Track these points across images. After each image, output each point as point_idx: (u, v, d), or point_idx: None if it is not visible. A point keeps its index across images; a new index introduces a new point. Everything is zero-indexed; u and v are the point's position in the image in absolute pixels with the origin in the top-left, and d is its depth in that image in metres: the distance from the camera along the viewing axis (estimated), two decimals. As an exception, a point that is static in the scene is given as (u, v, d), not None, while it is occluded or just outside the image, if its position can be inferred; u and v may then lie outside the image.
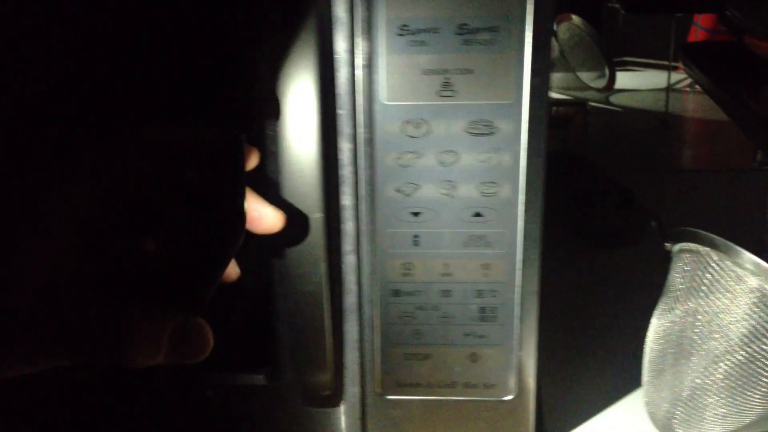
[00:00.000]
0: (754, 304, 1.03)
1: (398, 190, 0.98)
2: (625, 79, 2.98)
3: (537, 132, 0.95)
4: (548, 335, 1.05)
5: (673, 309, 1.15)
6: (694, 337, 1.09)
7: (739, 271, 1.05)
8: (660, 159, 2.27)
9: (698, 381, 1.08)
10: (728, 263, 1.07)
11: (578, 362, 1.35)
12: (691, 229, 1.13)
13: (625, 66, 3.06)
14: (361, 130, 0.96)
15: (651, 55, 3.02)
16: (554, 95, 2.85)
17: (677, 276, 1.16)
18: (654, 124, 2.53)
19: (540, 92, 0.94)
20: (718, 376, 1.05)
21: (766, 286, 1.02)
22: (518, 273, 1.01)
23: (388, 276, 1.02)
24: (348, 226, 1.00)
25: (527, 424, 1.05)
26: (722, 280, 1.07)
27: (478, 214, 0.99)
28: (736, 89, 1.38)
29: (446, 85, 0.94)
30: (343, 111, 0.95)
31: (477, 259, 1.01)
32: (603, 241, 1.68)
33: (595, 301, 1.52)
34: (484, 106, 0.95)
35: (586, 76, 2.98)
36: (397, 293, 1.03)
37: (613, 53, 2.98)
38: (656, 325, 1.17)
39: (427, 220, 1.00)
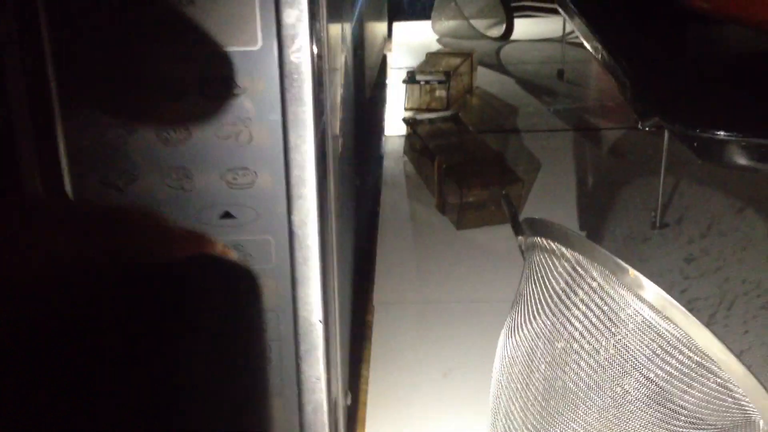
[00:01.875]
0: (636, 326, 0.75)
1: (105, 183, 0.66)
2: (523, 27, 2.68)
3: (308, 92, 0.64)
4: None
5: (521, 326, 0.86)
6: (544, 367, 0.80)
7: (602, 282, 0.76)
8: (550, 117, 1.99)
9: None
10: (588, 268, 0.78)
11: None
12: (543, 219, 0.84)
13: (524, 12, 2.76)
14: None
15: None
16: (435, 46, 2.54)
17: (526, 281, 0.87)
18: (548, 77, 2.25)
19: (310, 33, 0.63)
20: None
21: (643, 304, 0.75)
22: (301, 297, 0.71)
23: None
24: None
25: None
26: (580, 292, 0.79)
27: (227, 215, 0.68)
28: (614, 42, 1.08)
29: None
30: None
31: (233, 277, 0.71)
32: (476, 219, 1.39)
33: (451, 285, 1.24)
34: (218, 54, 0.63)
35: (480, 24, 2.67)
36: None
37: (511, -1, 2.69)
38: (503, 348, 0.88)
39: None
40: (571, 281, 0.80)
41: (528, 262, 0.89)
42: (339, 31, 1.08)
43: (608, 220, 1.44)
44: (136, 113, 0.65)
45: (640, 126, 0.84)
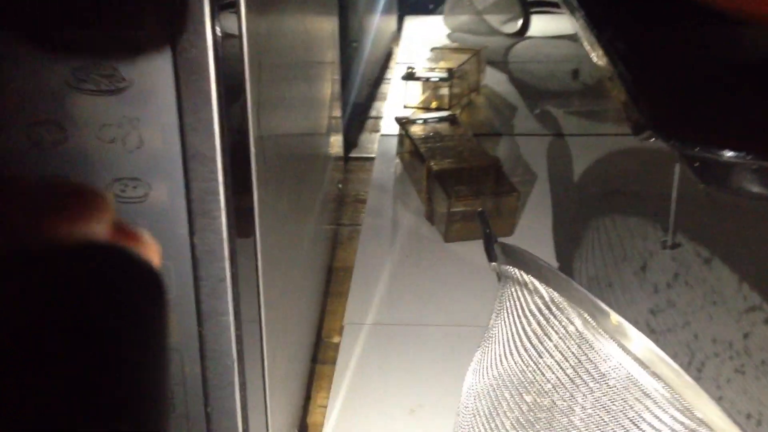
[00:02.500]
0: (618, 382, 0.63)
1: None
2: (540, 23, 2.54)
3: (211, 87, 0.52)
4: None
5: (488, 368, 0.73)
6: (509, 424, 0.68)
7: (580, 327, 0.63)
8: (559, 120, 1.84)
9: None
10: (565, 308, 0.65)
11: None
12: (516, 247, 0.71)
13: (542, 8, 2.61)
14: None
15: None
16: (447, 42, 2.40)
17: (497, 315, 0.74)
18: (563, 77, 2.10)
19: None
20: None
21: (627, 356, 0.62)
22: (209, 334, 0.59)
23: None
24: None
25: None
26: (555, 336, 0.67)
27: (118, 234, 0.55)
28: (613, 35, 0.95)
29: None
30: None
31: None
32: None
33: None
34: (97, 39, 0.51)
35: (495, 19, 2.53)
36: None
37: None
38: (468, 392, 0.76)
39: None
40: (544, 322, 0.67)
41: (500, 292, 0.76)
42: (312, 23, 0.96)
43: (611, 238, 1.30)
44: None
45: (635, 135, 0.70)
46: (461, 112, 1.85)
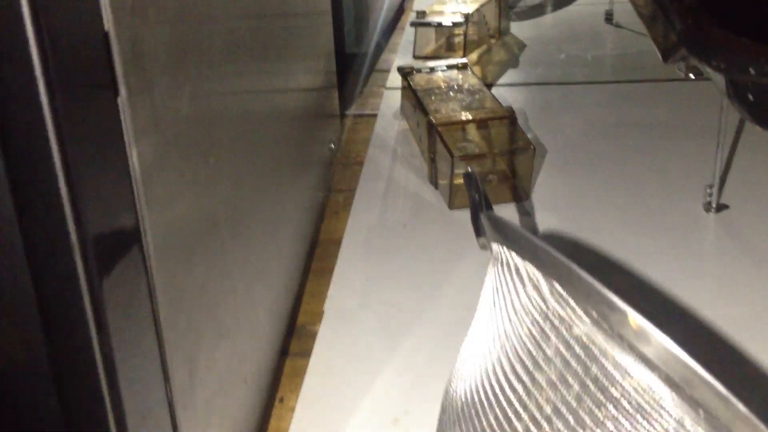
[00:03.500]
0: (636, 408, 0.45)
1: None
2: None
3: None
4: None
5: (472, 377, 0.57)
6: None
7: (588, 330, 0.46)
8: (589, 67, 1.64)
9: None
10: (572, 306, 0.48)
11: None
12: (505, 220, 0.54)
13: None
14: None
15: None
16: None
17: (485, 305, 0.58)
18: (594, 21, 1.89)
19: None
20: None
21: (651, 373, 0.45)
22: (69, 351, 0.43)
23: None
24: None
25: None
26: (554, 339, 0.49)
27: None
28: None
29: None
30: None
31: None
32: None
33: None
34: None
35: None
36: None
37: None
38: (448, 401, 0.60)
39: None
40: (541, 321, 0.50)
41: (489, 276, 0.59)
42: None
43: (645, 200, 1.11)
44: None
45: (665, 60, 0.51)
46: (477, 61, 1.65)
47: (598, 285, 0.45)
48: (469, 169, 0.79)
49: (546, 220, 1.07)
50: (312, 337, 0.91)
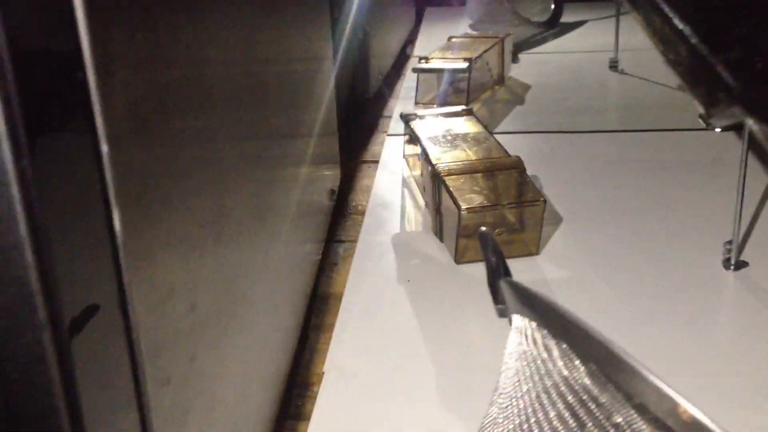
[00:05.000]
0: None
1: None
2: (572, 11, 2.30)
3: None
4: None
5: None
6: None
7: (631, 419, 0.40)
8: (596, 115, 1.60)
9: None
10: (608, 389, 0.42)
11: None
12: (526, 288, 0.49)
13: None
14: None
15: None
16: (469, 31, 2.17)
17: (506, 378, 0.52)
18: (599, 68, 1.86)
19: None
20: None
21: None
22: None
23: None
24: None
25: None
26: (581, 411, 0.43)
27: None
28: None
29: None
30: None
31: None
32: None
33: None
34: None
35: (523, 8, 2.29)
36: None
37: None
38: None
39: None
40: (576, 404, 0.44)
41: (512, 346, 0.53)
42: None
43: (659, 255, 1.06)
44: None
45: (703, 122, 0.47)
46: (480, 107, 1.62)
47: (644, 370, 0.40)
48: (483, 229, 0.73)
49: (556, 276, 1.02)
50: (312, 399, 0.86)
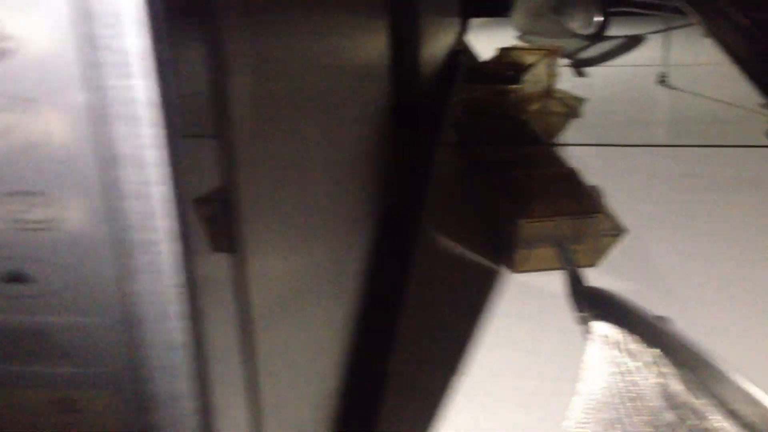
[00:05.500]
0: None
1: None
2: (619, 25, 2.30)
3: (140, 47, 0.32)
4: None
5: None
6: None
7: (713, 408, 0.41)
8: (646, 129, 1.61)
9: None
10: (693, 387, 0.44)
11: None
12: (613, 294, 0.50)
13: (622, 7, 2.37)
14: None
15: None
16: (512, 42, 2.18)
17: (594, 381, 0.53)
18: (647, 82, 1.87)
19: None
20: None
21: None
22: (149, 423, 0.39)
23: None
24: None
25: None
26: (668, 416, 0.45)
27: (16, 277, 0.36)
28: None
29: None
30: None
31: (37, 390, 0.39)
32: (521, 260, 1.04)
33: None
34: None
35: (569, 20, 2.31)
36: None
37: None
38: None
39: None
40: (665, 406, 0.46)
41: (592, 351, 0.55)
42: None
43: (722, 271, 1.06)
44: None
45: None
46: (530, 118, 1.63)
47: (737, 377, 0.41)
48: (559, 241, 0.75)
49: (612, 288, 1.03)
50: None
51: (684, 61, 1.82)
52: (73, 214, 0.36)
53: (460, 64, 2.08)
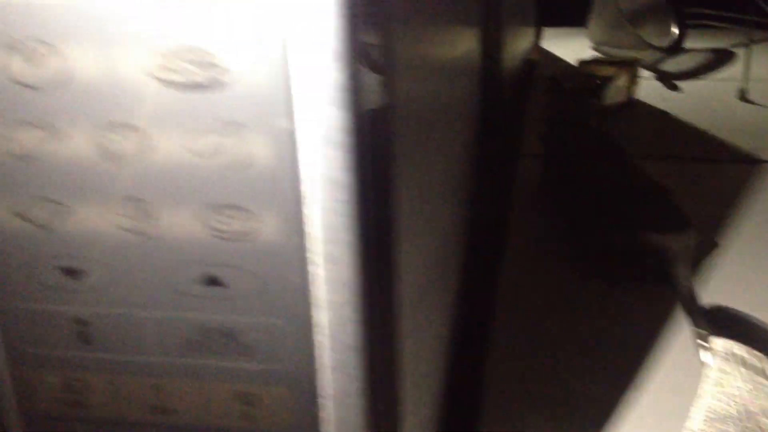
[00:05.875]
0: None
1: (20, 215, 0.41)
2: (696, 37, 2.30)
3: (340, 78, 0.36)
4: None
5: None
6: None
7: None
8: (734, 145, 1.61)
9: None
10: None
11: None
12: (730, 309, 0.53)
13: (699, 20, 2.36)
14: None
15: (737, 5, 2.31)
16: (586, 53, 2.19)
17: (719, 400, 0.55)
18: (726, 97, 1.86)
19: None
20: None
21: None
22: (321, 420, 0.43)
23: (36, 411, 0.45)
24: None
25: None
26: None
27: (212, 281, 0.41)
28: None
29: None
30: None
31: (223, 383, 0.43)
32: (619, 272, 1.05)
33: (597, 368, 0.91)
34: (188, 24, 0.36)
35: (645, 32, 2.30)
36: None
37: (685, 1, 2.30)
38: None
39: (98, 289, 0.42)
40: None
41: (714, 369, 0.57)
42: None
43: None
44: (62, 106, 0.39)
45: None
46: (610, 130, 1.64)
47: None
48: (674, 252, 0.77)
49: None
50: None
51: (765, 76, 1.81)
52: (269, 227, 0.40)
53: (537, 75, 2.10)
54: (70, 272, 0.42)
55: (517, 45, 1.99)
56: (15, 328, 0.44)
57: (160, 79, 0.37)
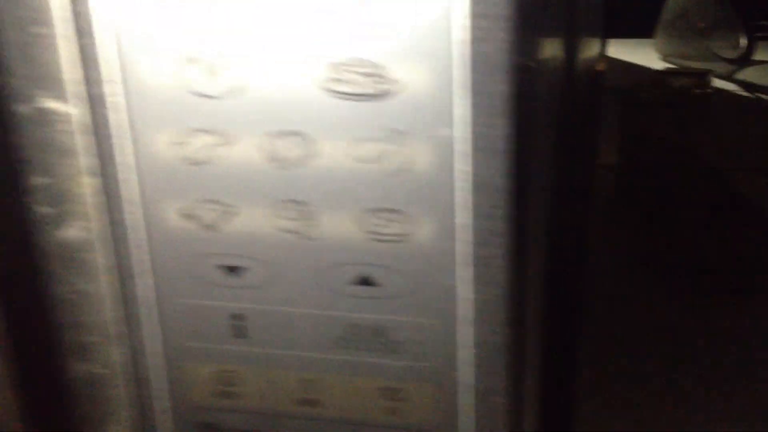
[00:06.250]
0: None
1: (187, 215, 0.44)
2: (765, 48, 2.27)
3: (502, 91, 0.38)
4: None
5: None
6: None
7: None
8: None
9: None
10: None
11: None
12: None
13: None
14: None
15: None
16: (657, 64, 2.18)
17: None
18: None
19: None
20: None
21: None
22: (463, 415, 0.45)
23: (186, 401, 0.48)
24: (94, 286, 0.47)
25: None
26: None
27: (365, 281, 0.43)
28: None
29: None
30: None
31: (369, 378, 0.46)
32: (715, 286, 1.05)
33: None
34: (358, 38, 0.39)
35: (714, 44, 2.29)
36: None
37: (753, 14, 2.28)
38: None
39: (257, 287, 0.45)
40: None
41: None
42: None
43: None
44: (235, 114, 0.42)
45: None
46: (690, 142, 1.64)
47: None
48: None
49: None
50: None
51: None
52: (424, 231, 0.42)
53: (605, 86, 2.10)
54: (232, 270, 0.45)
55: (587, 55, 2.00)
56: (174, 323, 0.47)
57: (329, 90, 0.40)
